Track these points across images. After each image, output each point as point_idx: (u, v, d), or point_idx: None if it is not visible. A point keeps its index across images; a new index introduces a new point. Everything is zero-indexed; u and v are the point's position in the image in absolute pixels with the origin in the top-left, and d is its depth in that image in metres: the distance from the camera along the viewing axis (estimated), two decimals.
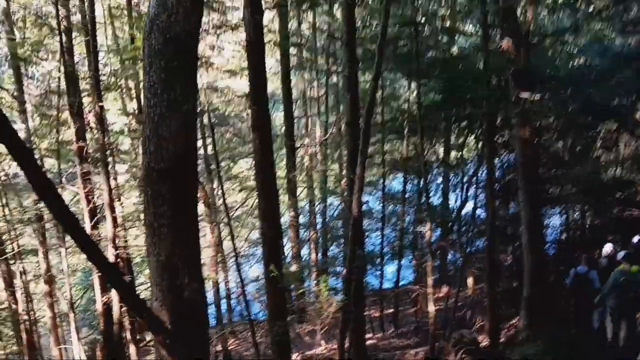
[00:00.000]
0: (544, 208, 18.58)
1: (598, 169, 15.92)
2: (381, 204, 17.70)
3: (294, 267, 17.58)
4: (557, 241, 18.24)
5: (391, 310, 17.31)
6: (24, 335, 16.03)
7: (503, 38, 9.55)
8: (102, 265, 3.68)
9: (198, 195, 12.02)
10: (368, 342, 15.36)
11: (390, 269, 20.24)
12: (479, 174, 16.41)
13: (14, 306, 15.79)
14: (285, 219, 19.91)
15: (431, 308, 10.51)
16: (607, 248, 10.35)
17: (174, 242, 4.26)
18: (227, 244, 17.54)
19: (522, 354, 8.95)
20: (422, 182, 17.98)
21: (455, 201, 19.81)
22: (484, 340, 10.73)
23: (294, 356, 13.18)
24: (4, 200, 16.14)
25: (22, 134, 15.49)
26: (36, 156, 16.34)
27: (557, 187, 16.73)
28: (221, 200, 13.12)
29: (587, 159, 15.52)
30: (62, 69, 12.63)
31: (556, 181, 13.60)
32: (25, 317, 16.08)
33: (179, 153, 4.20)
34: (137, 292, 3.70)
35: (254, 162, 6.76)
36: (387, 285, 19.47)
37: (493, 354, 9.82)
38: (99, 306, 12.57)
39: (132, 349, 16.78)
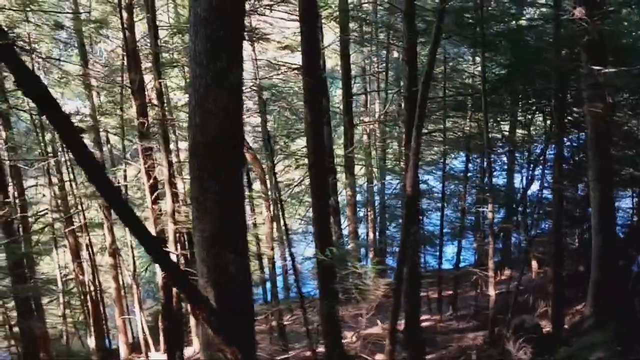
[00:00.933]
0: (615, 189, 17.69)
1: None
2: (441, 183, 17.18)
3: (350, 246, 17.51)
4: (628, 225, 17.32)
5: (450, 292, 16.92)
6: (89, 306, 16.73)
7: (575, 6, 8.90)
8: (144, 239, 3.64)
9: (255, 171, 11.97)
10: (425, 324, 15.14)
11: (450, 249, 19.85)
12: (546, 153, 15.72)
13: (80, 277, 16.46)
14: (343, 197, 19.84)
15: (492, 292, 10.14)
16: None
17: (219, 218, 4.19)
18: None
19: (589, 343, 8.49)
20: (485, 161, 17.48)
21: (521, 181, 19.12)
22: (546, 327, 10.30)
23: (349, 335, 13.13)
24: (71, 175, 16.78)
25: (87, 111, 15.99)
26: (102, 133, 16.91)
27: (630, 167, 15.80)
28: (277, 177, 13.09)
29: None
30: (124, 46, 12.83)
31: (630, 161, 12.79)
32: (92, 288, 16.74)
33: (224, 126, 4.11)
34: (181, 268, 3.59)
35: (305, 136, 6.57)
36: (447, 266, 19.08)
37: (556, 341, 9.40)
38: (159, 279, 12.88)
39: (192, 321, 17.21)
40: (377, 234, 20.86)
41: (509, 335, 9.57)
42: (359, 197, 20.64)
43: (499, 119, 17.27)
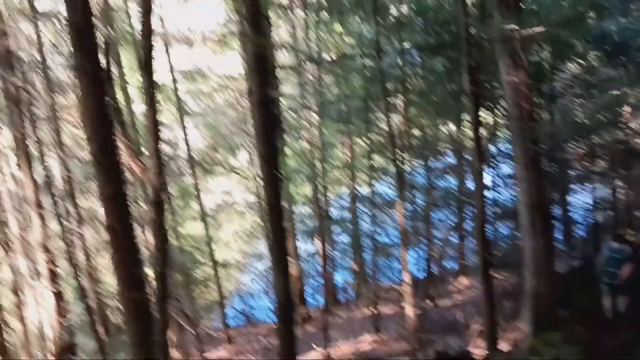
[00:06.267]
0: (570, 185, 15.83)
1: (627, 134, 13.07)
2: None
3: None
4: (586, 222, 15.44)
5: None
6: None
7: None
8: None
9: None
10: (365, 347, 13.04)
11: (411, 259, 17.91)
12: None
13: None
14: None
15: (409, 310, 8.03)
16: None
17: None
18: None
19: None
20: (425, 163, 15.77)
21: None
22: (480, 349, 8.21)
23: None
24: None
25: None
26: None
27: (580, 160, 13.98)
28: None
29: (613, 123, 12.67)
30: None
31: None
32: None
33: None
34: None
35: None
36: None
37: None
38: None
39: None
40: None
41: None
42: None
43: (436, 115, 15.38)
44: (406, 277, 8.03)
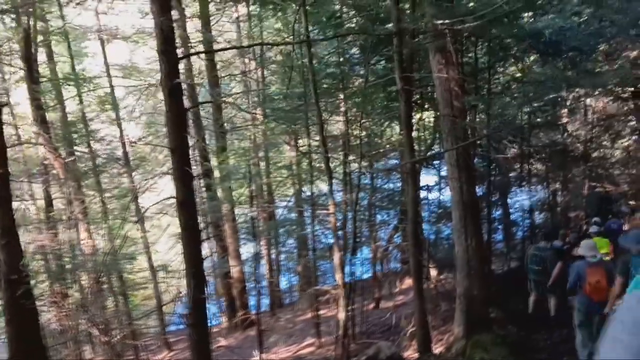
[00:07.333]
0: (510, 187, 16.00)
1: (563, 137, 13.29)
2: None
3: None
4: (526, 224, 15.61)
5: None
6: None
7: None
8: None
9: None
10: (305, 350, 12.72)
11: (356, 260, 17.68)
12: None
13: None
14: None
15: (341, 314, 7.76)
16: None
17: None
18: None
19: None
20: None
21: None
22: (414, 354, 7.99)
23: None
24: None
25: None
26: None
27: (518, 161, 14.14)
28: None
29: (551, 124, 12.85)
30: None
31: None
32: None
33: None
34: None
35: None
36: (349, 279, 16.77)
37: None
38: None
39: None
40: None
41: None
42: None
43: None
44: (339, 280, 7.74)
